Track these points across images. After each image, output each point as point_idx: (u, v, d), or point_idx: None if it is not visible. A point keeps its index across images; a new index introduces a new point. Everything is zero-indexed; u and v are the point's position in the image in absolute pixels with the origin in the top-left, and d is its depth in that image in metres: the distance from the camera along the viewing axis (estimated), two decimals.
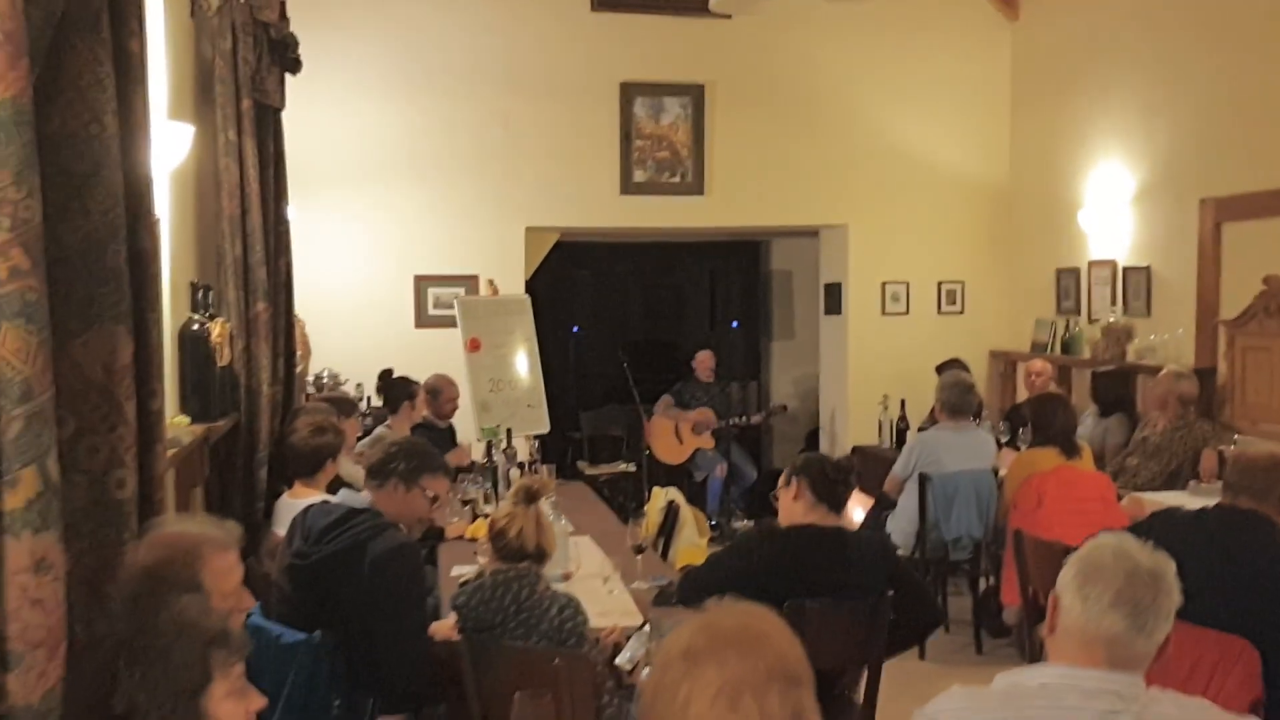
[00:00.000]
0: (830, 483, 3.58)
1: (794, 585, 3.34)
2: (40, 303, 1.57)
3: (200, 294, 4.15)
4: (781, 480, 3.65)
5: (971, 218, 8.53)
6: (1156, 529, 3.26)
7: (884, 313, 8.50)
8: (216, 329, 4.07)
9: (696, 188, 8.08)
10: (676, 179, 8.07)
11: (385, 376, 6.43)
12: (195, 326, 4.02)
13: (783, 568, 3.46)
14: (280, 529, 3.88)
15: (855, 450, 7.79)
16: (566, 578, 3.92)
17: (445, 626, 3.39)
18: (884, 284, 8.49)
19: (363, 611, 3.16)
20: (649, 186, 8.02)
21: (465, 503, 5.21)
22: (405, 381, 6.26)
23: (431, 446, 3.66)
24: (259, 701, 1.79)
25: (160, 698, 1.64)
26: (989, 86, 8.49)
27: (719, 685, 1.50)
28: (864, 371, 8.41)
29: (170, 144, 3.92)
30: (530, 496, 3.23)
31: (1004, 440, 6.38)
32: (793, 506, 3.60)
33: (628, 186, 7.98)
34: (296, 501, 3.92)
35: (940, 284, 8.56)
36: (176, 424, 3.58)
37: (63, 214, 2.02)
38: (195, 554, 2.11)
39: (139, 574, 2.01)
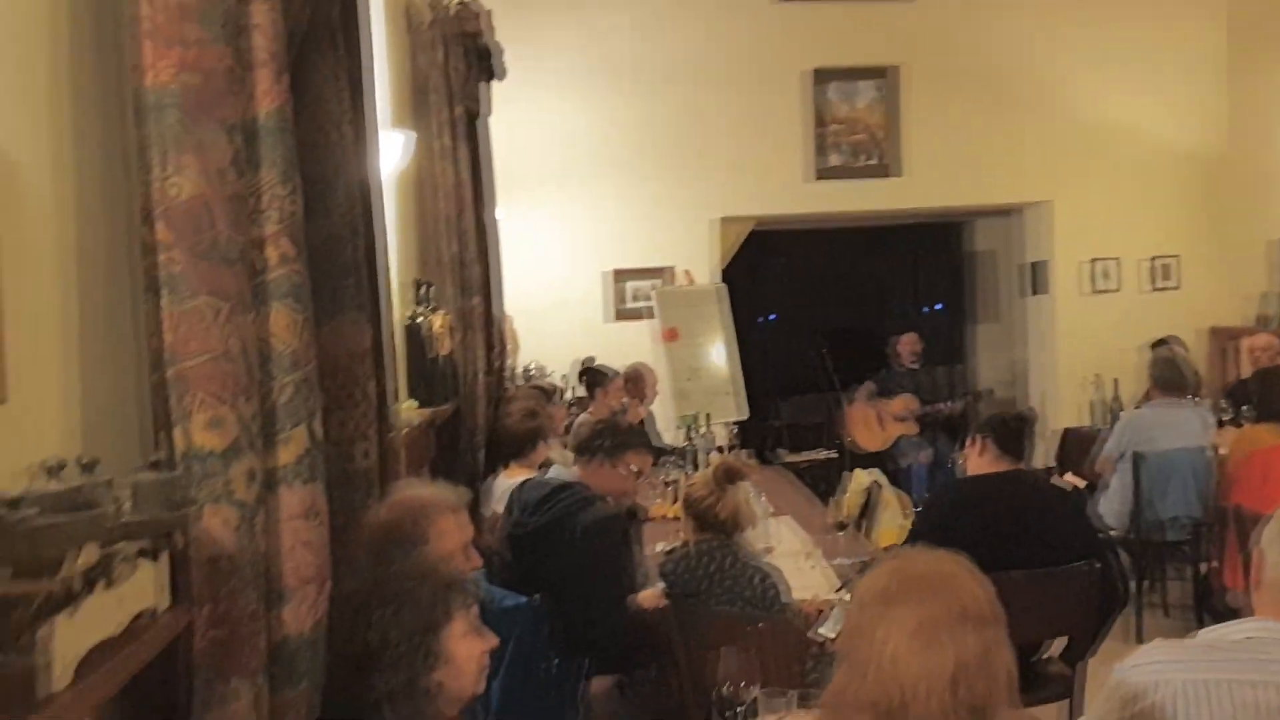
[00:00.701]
0: (1012, 432, 3.64)
1: (983, 524, 3.40)
2: (304, 285, 1.82)
3: (422, 289, 4.48)
4: (967, 442, 3.71)
5: (1184, 188, 8.13)
6: None
7: (1093, 290, 8.22)
8: (437, 321, 4.39)
9: (893, 170, 8.02)
10: (873, 162, 8.03)
11: (586, 366, 6.74)
12: (419, 319, 4.35)
13: (969, 510, 3.53)
14: (498, 505, 4.15)
15: (1066, 433, 7.56)
16: (768, 552, 4.04)
17: (652, 595, 3.57)
18: (1093, 260, 8.20)
19: (572, 577, 3.38)
20: (843, 171, 8.02)
21: (668, 484, 5.40)
22: (601, 371, 6.54)
23: (634, 425, 3.86)
24: (493, 640, 2.00)
25: (408, 631, 1.87)
26: (1200, 48, 8.06)
27: (915, 624, 1.59)
28: (1073, 352, 8.15)
29: (392, 150, 4.25)
30: (730, 475, 3.38)
31: (1226, 418, 6.08)
32: (979, 462, 3.66)
33: (821, 172, 8.00)
34: (512, 480, 4.20)
35: (1154, 259, 8.20)
36: (407, 407, 3.89)
37: (309, 214, 2.27)
38: (425, 514, 2.36)
39: (378, 529, 2.28)
